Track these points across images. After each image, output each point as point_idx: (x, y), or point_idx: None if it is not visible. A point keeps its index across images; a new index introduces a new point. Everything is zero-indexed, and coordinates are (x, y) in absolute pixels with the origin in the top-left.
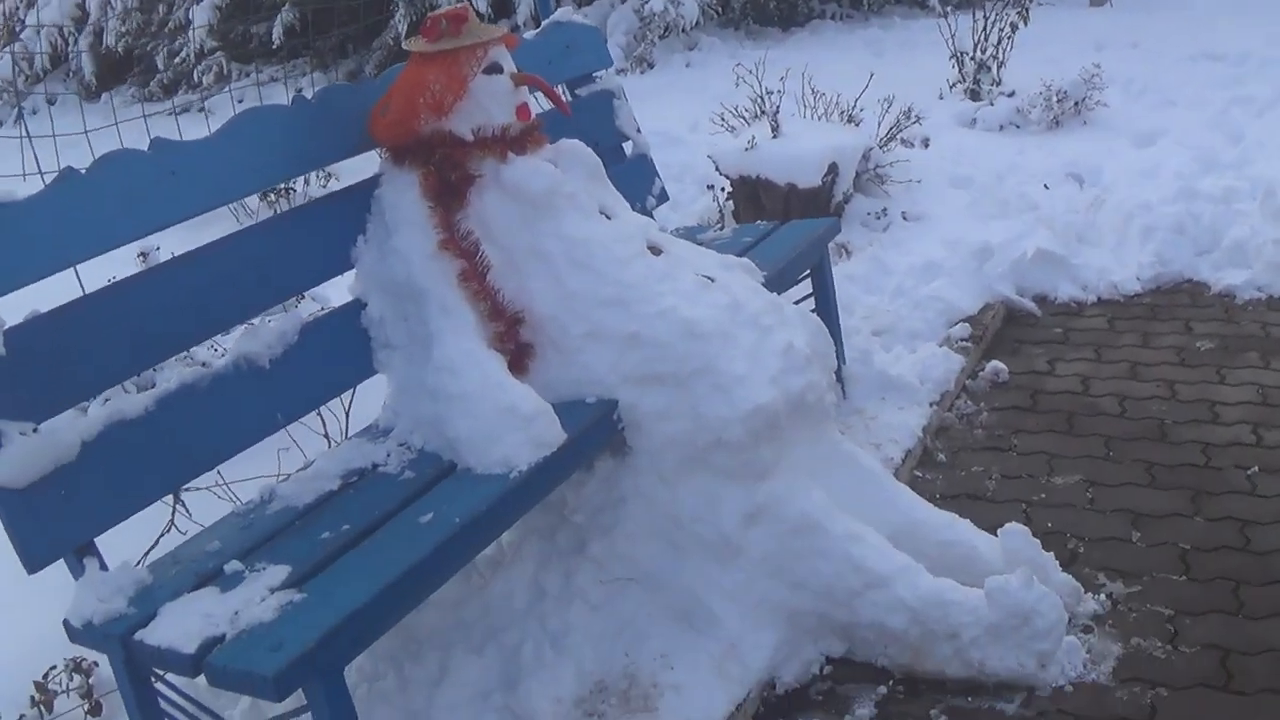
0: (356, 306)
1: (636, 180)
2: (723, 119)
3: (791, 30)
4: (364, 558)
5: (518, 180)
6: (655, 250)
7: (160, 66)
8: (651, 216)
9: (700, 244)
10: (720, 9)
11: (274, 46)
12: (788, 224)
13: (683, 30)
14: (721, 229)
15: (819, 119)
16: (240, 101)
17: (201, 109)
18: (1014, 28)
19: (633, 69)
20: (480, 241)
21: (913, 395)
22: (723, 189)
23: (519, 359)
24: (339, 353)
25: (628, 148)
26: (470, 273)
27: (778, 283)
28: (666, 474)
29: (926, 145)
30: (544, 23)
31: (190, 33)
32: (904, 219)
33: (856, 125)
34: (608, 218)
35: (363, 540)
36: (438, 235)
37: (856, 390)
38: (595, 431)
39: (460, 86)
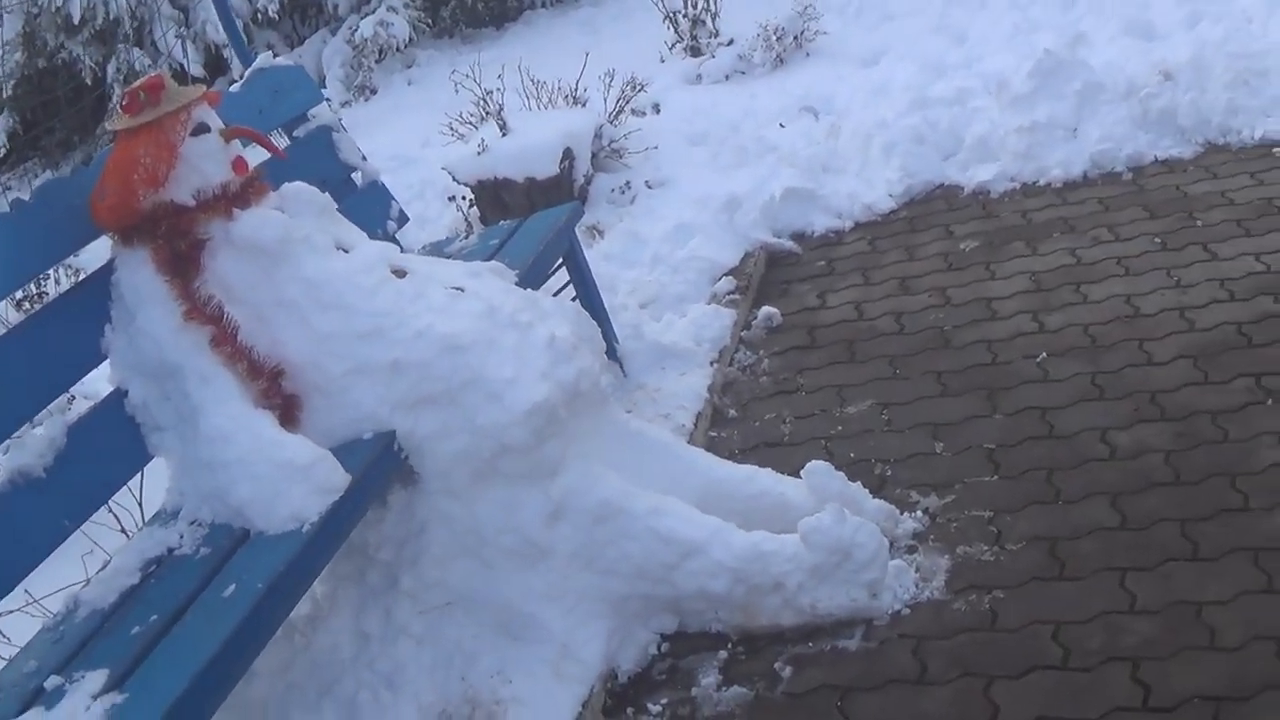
0: (119, 396)
1: (372, 207)
2: (451, 128)
3: (505, 26)
4: (176, 644)
5: (247, 234)
6: (400, 273)
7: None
8: (396, 240)
9: (449, 256)
10: (430, 21)
11: (1, 154)
12: (530, 218)
13: (397, 49)
14: (468, 237)
15: (545, 108)
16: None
17: None
18: None
19: (356, 98)
20: (223, 303)
21: (691, 358)
22: (464, 198)
23: (288, 411)
24: (111, 446)
25: (357, 178)
26: (220, 337)
27: (533, 277)
28: (459, 491)
29: (658, 111)
30: (246, 71)
31: None
32: (648, 187)
33: (584, 106)
34: (345, 252)
35: (172, 627)
36: (180, 307)
37: (635, 365)
38: (378, 466)
39: (171, 154)
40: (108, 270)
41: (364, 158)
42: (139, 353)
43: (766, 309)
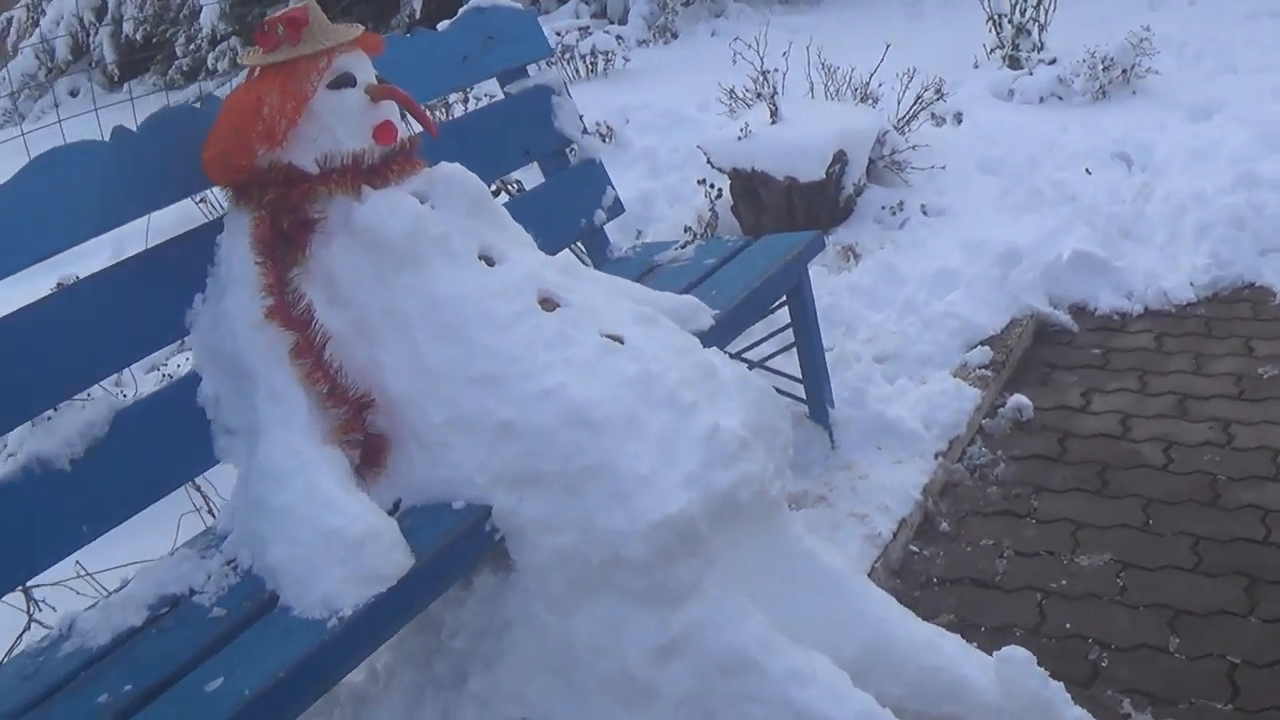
0: (190, 383)
1: (583, 190)
2: (731, 96)
3: None
4: None
5: (370, 222)
6: (550, 304)
7: (179, 54)
8: (603, 232)
9: (656, 265)
10: None
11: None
12: (760, 240)
13: None
14: (686, 245)
15: (831, 98)
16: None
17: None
18: None
19: (655, 40)
20: (314, 307)
21: (914, 444)
22: (713, 185)
23: (373, 453)
24: (165, 442)
25: (572, 154)
26: (303, 347)
27: (740, 318)
28: (557, 596)
29: (959, 121)
30: (461, 9)
31: (199, 18)
32: (924, 213)
33: (873, 104)
34: (490, 263)
35: (137, 713)
36: (263, 300)
37: (847, 437)
38: (461, 547)
39: (298, 106)
40: (216, 228)
41: (584, 130)
42: (218, 339)
43: (1019, 398)
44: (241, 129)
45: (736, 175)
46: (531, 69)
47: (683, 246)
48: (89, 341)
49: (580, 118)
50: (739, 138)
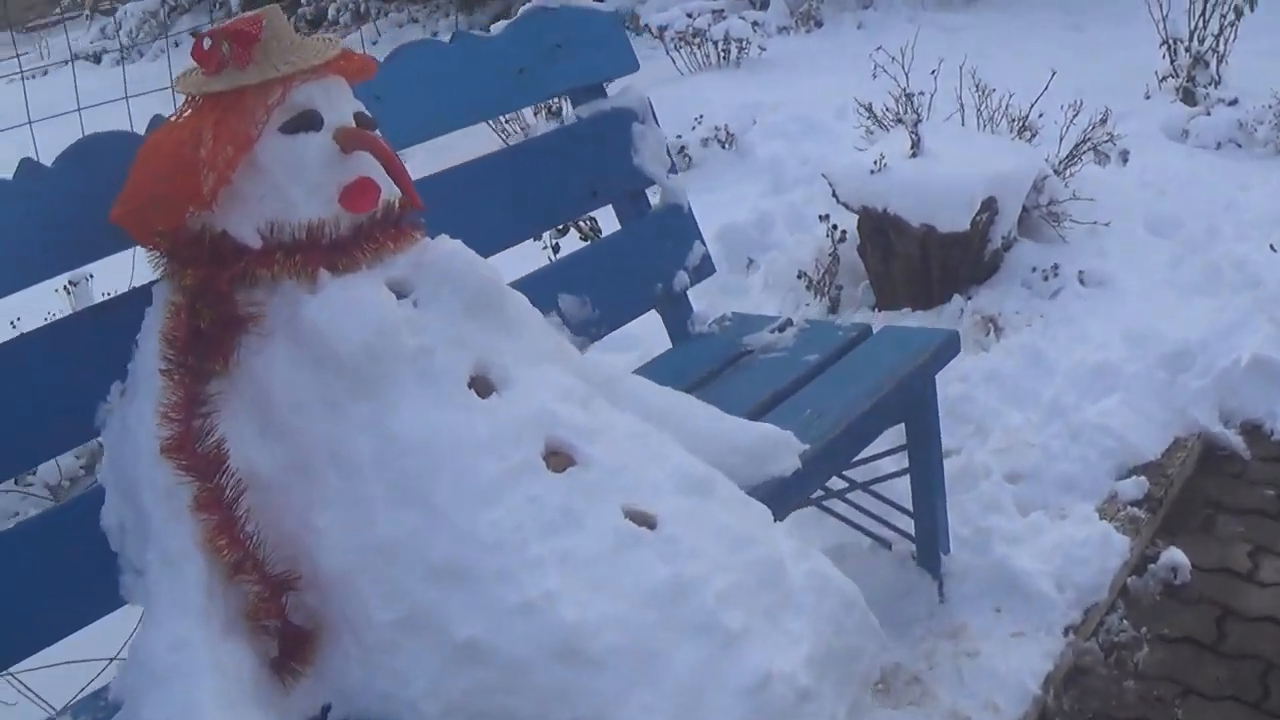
0: (94, 500)
1: (664, 245)
2: (869, 113)
3: None
4: None
5: (320, 325)
6: (561, 461)
7: (304, 1)
8: (685, 299)
9: (745, 353)
10: None
11: None
12: (882, 333)
13: None
14: (786, 329)
15: (984, 125)
16: (374, 43)
17: None
18: (1238, 12)
19: (797, 27)
20: (228, 444)
21: (1042, 611)
22: (834, 225)
23: (296, 645)
24: (57, 575)
25: (653, 195)
26: (208, 500)
27: (844, 448)
28: None
29: (1125, 161)
30: (523, 8)
31: None
32: (1081, 283)
33: (1031, 139)
34: (486, 391)
35: None
36: (161, 430)
37: (960, 592)
38: None
39: (235, 154)
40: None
41: (672, 169)
42: (124, 455)
43: (1174, 553)
44: (166, 178)
45: (866, 214)
46: (610, 86)
47: (781, 329)
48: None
49: (668, 151)
50: (872, 170)
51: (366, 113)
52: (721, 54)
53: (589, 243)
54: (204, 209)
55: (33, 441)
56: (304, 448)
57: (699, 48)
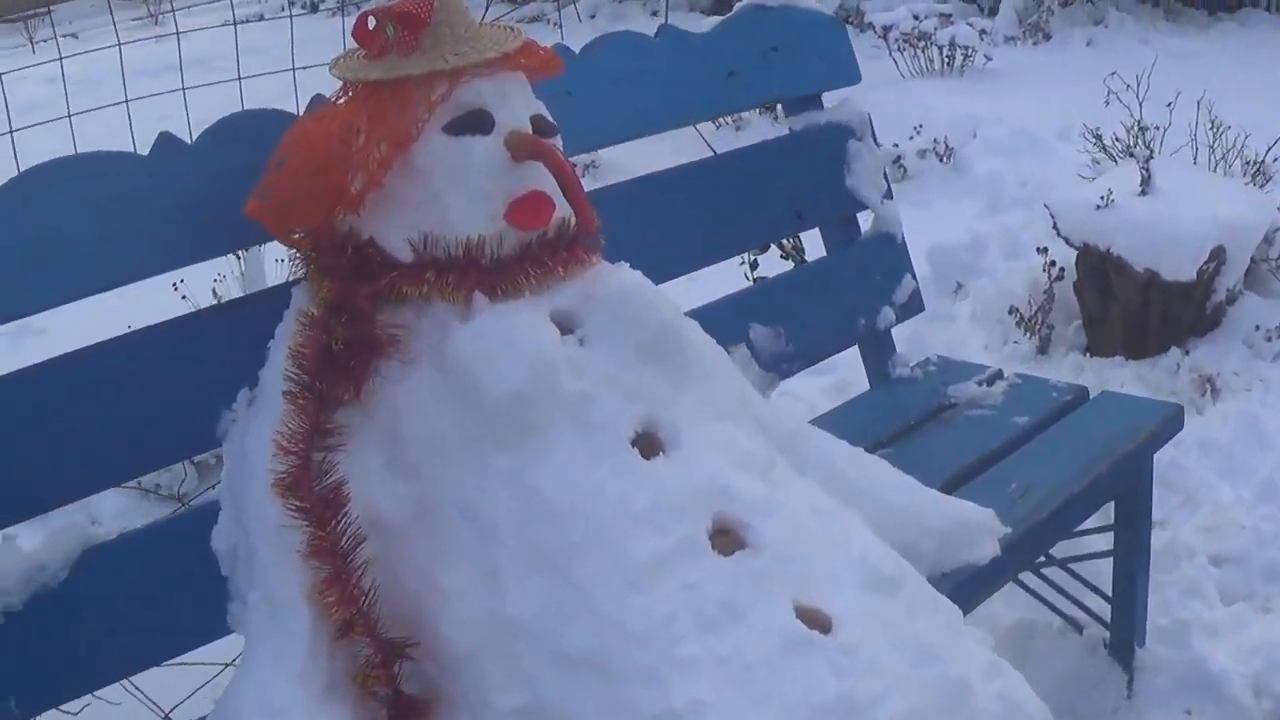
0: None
1: (871, 277)
2: (1097, 141)
3: (1218, 16)
4: None
5: (466, 360)
6: (731, 540)
7: None
8: (889, 338)
9: (948, 405)
10: None
11: None
12: (1101, 398)
13: None
14: (995, 382)
15: (1216, 165)
16: (593, 17)
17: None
18: None
19: (1024, 38)
20: (349, 487)
21: (1235, 717)
22: (1052, 262)
23: (410, 713)
24: (155, 595)
25: (863, 220)
26: (320, 548)
27: (1042, 538)
28: None
29: None
30: (737, 5)
31: None
32: None
33: (1265, 184)
34: (651, 451)
35: None
36: (275, 463)
37: (1150, 688)
38: None
39: (388, 154)
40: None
41: (887, 194)
42: (239, 478)
43: None
44: (311, 173)
45: (1086, 251)
46: (827, 98)
47: (989, 382)
48: (66, 444)
49: (885, 175)
50: (1098, 206)
51: (547, 116)
52: (946, 60)
53: (790, 263)
54: (351, 212)
55: (148, 446)
56: (435, 495)
57: (923, 51)
